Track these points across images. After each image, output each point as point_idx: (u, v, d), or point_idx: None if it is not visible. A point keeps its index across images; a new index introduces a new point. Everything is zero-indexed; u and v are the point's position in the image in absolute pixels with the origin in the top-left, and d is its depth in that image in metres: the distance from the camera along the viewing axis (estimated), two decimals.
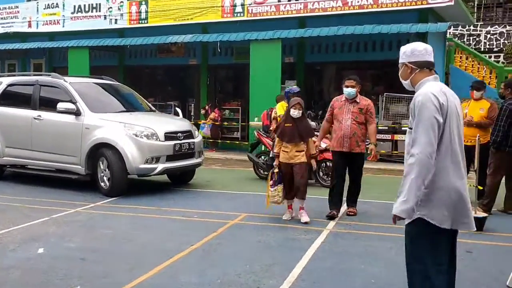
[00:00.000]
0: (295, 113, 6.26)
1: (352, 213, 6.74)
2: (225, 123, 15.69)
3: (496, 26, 19.95)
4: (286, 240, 5.53)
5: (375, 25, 12.12)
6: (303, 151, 6.32)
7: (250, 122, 13.43)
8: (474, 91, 7.71)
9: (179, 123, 8.90)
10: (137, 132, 7.91)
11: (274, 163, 6.51)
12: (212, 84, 16.82)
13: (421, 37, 12.84)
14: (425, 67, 2.91)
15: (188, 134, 8.55)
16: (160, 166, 7.96)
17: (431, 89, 2.80)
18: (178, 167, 8.41)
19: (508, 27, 19.93)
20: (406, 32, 11.99)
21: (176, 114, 10.91)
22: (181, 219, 6.52)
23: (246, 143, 14.13)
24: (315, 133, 7.00)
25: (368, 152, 6.57)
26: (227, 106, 16.53)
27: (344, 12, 13.18)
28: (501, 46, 19.63)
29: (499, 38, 19.69)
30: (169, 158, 8.10)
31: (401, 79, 3.04)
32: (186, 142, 8.36)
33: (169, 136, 8.14)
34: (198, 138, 8.83)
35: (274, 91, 12.97)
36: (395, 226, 3.22)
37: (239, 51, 15.07)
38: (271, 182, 6.41)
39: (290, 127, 6.25)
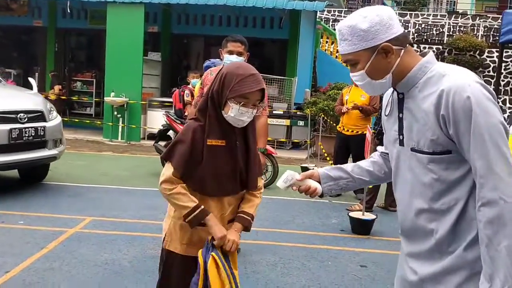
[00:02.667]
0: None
1: None
2: (74, 97, 13.64)
3: None
4: (144, 259, 4.26)
5: None
6: None
7: (105, 98, 11.67)
8: None
9: (24, 100, 6.44)
10: None
11: None
12: (62, 51, 14.58)
13: (294, 16, 12.31)
14: (408, 43, 1.66)
15: (37, 116, 6.22)
16: None
17: (470, 77, 1.55)
18: (15, 162, 6.05)
19: None
20: (281, 9, 11.23)
21: (27, 86, 8.32)
22: None
23: (99, 122, 12.36)
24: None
25: None
26: (79, 77, 14.47)
27: None
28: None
29: None
30: (1, 149, 5.82)
31: (370, 79, 1.67)
32: (32, 127, 6.05)
33: (1, 117, 5.87)
34: (53, 121, 6.47)
35: (134, 63, 11.42)
36: None
37: (94, 15, 13.13)
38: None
39: None
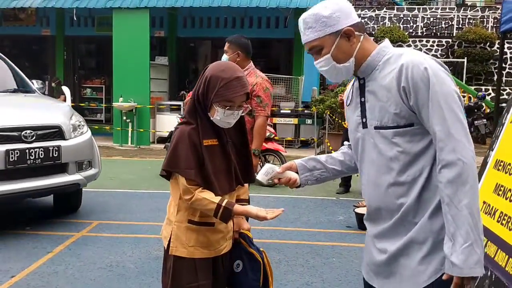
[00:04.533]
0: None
1: None
2: (82, 104, 13.76)
3: (366, 10, 20.24)
4: (148, 261, 4.29)
5: None
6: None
7: (113, 103, 11.77)
8: None
9: (36, 112, 5.23)
10: None
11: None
12: (71, 59, 14.73)
13: (299, 15, 12.26)
14: (366, 31, 1.79)
15: (51, 133, 4.97)
16: None
17: (425, 55, 1.68)
18: (15, 193, 4.71)
19: (377, 11, 20.34)
20: (285, 8, 11.22)
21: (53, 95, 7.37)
22: (4, 232, 4.93)
23: (107, 127, 12.46)
24: None
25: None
26: (88, 84, 14.62)
27: None
28: (371, 30, 19.97)
29: (368, 22, 19.95)
30: None
31: (335, 64, 1.75)
32: (41, 147, 4.79)
33: None
34: (77, 139, 5.21)
35: (141, 68, 11.51)
36: None
37: (101, 21, 13.25)
38: None
39: None
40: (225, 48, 4.01)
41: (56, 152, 4.94)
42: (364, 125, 1.77)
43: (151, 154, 10.61)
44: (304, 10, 11.73)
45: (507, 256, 2.50)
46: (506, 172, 2.86)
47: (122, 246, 4.58)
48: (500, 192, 2.83)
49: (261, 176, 1.99)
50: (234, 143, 2.22)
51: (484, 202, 2.97)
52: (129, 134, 11.68)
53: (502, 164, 2.95)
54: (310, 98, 12.15)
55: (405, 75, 1.63)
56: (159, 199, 6.24)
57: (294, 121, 11.51)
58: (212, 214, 2.06)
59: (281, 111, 11.48)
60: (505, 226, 2.64)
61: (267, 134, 7.57)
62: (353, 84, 1.86)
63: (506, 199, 2.73)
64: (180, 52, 14.36)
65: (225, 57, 3.98)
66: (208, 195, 2.06)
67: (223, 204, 2.05)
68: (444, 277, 1.60)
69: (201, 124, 2.11)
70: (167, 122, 11.26)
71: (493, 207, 2.85)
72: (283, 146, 9.22)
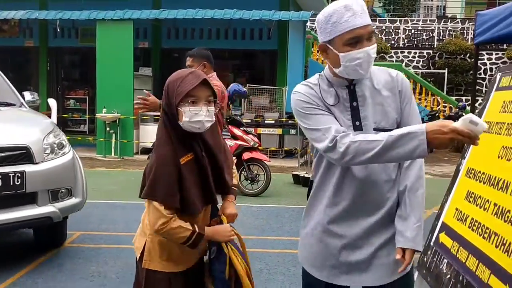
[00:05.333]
0: None
1: None
2: (65, 115, 13.70)
3: None
4: (131, 271, 4.30)
5: (236, 10, 11.31)
6: None
7: (96, 114, 11.75)
8: None
9: None
10: None
11: None
12: (54, 70, 14.66)
13: (283, 26, 12.44)
14: None
15: (14, 155, 4.07)
16: None
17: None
18: None
19: None
20: (268, 20, 11.36)
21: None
22: None
23: (91, 138, 12.42)
24: None
25: None
26: (72, 95, 14.57)
27: None
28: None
29: None
30: None
31: (330, 68, 1.91)
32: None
33: None
34: (51, 162, 4.29)
35: (125, 79, 11.52)
36: None
37: (85, 33, 13.21)
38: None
39: None
40: (189, 62, 4.18)
41: (19, 179, 3.98)
42: (357, 128, 1.88)
43: (134, 165, 10.60)
44: (286, 22, 11.91)
45: (477, 261, 2.59)
46: (477, 180, 2.96)
47: (104, 257, 4.59)
48: (471, 199, 2.92)
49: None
50: (209, 154, 2.13)
51: (456, 209, 3.06)
52: (113, 145, 11.65)
53: (473, 172, 3.04)
54: None
55: (398, 82, 1.95)
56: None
57: (278, 131, 11.60)
58: (184, 241, 2.02)
59: (265, 122, 11.57)
60: (475, 232, 2.72)
61: (252, 143, 7.65)
62: (318, 86, 1.93)
63: (477, 205, 2.83)
64: (164, 63, 14.39)
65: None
66: (183, 222, 2.01)
67: (196, 232, 2.03)
68: (397, 254, 1.87)
69: (175, 141, 2.03)
70: (151, 133, 11.24)
71: (464, 213, 2.94)
72: (267, 156, 9.29)
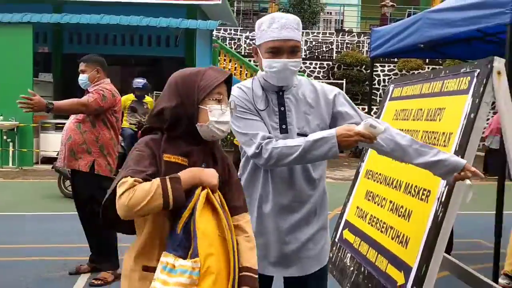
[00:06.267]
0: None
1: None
2: None
3: (254, 32, 21.05)
4: (38, 284, 4.15)
5: (142, 17, 11.23)
6: None
7: None
8: None
9: None
10: None
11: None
12: None
13: (190, 34, 12.53)
14: None
15: None
16: None
17: None
18: None
19: None
20: (175, 27, 11.41)
21: None
22: None
23: None
24: None
25: None
26: None
27: (109, 1, 11.91)
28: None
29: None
30: None
31: (293, 73, 2.06)
32: None
33: None
34: None
35: (24, 85, 10.87)
36: None
37: None
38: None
39: None
40: (82, 68, 4.16)
41: None
42: (284, 130, 2.06)
43: (35, 175, 10.08)
44: (194, 30, 12.02)
45: (376, 253, 2.88)
46: (374, 180, 3.28)
47: (11, 271, 4.38)
48: (370, 198, 3.24)
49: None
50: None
51: (358, 207, 3.37)
52: (10, 155, 10.99)
53: (371, 173, 3.37)
54: None
55: (329, 90, 2.17)
56: (45, 221, 6.01)
57: None
58: (163, 204, 1.51)
59: None
60: (374, 227, 3.03)
61: None
62: (251, 90, 2.11)
63: (375, 203, 3.14)
64: (66, 68, 13.81)
65: (84, 76, 4.12)
66: (144, 184, 1.52)
67: (165, 178, 1.54)
68: (456, 175, 2.03)
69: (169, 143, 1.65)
70: (52, 142, 10.76)
71: (364, 211, 3.25)
72: None
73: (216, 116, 1.66)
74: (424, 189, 2.54)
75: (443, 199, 2.31)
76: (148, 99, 9.04)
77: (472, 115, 2.31)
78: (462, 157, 2.23)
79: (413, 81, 3.28)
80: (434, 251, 2.27)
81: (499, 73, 2.24)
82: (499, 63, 2.26)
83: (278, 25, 1.97)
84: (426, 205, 2.48)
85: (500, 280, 4.13)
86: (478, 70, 2.39)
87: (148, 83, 8.38)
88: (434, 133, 2.67)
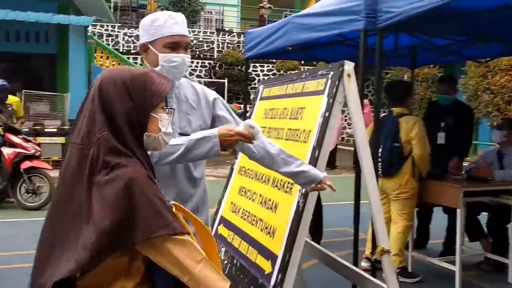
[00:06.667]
0: None
1: None
2: None
3: (133, 29, 20.54)
4: None
5: (9, 10, 10.43)
6: None
7: None
8: None
9: None
10: None
11: None
12: None
13: (62, 30, 11.88)
14: None
15: None
16: None
17: None
18: None
19: None
20: (46, 23, 10.76)
21: None
22: None
23: None
24: None
25: None
26: None
27: None
28: (138, 49, 20.38)
29: (135, 41, 20.32)
30: None
31: (186, 69, 2.20)
32: None
33: None
34: None
35: None
36: None
37: None
38: None
39: None
40: None
41: None
42: None
43: None
44: (66, 26, 11.42)
45: (248, 245, 3.03)
46: (247, 176, 3.44)
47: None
48: (243, 193, 3.39)
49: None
50: None
51: (232, 203, 3.50)
52: None
53: (244, 169, 3.52)
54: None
55: (209, 92, 2.31)
56: None
57: (61, 140, 11.03)
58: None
59: (46, 130, 10.90)
60: (246, 220, 3.18)
61: (32, 151, 7.18)
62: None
63: (247, 198, 3.29)
64: None
65: None
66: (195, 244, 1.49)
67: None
68: (313, 186, 2.31)
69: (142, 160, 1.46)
70: None
71: (238, 206, 3.39)
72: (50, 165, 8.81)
73: (165, 127, 1.51)
74: (289, 182, 2.73)
75: (303, 190, 2.51)
76: (13, 99, 8.37)
77: (327, 114, 2.54)
78: (319, 152, 2.45)
79: (280, 82, 3.49)
80: (296, 239, 2.46)
81: (348, 75, 2.49)
82: (349, 66, 2.51)
83: (175, 21, 2.07)
84: (290, 197, 2.67)
85: (363, 264, 4.55)
86: (332, 73, 2.63)
87: (7, 84, 7.62)
88: (296, 130, 2.88)
